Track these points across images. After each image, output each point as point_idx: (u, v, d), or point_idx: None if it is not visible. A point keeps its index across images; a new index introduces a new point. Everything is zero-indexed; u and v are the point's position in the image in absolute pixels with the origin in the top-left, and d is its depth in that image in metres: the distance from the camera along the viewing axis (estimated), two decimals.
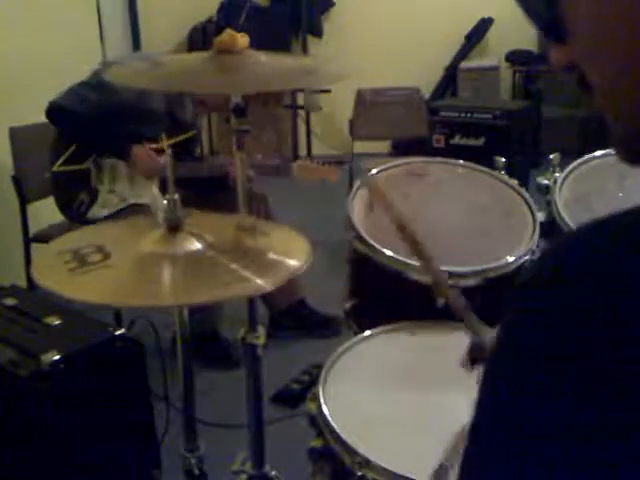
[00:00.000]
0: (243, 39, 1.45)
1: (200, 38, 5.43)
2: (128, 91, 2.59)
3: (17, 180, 2.89)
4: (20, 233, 2.92)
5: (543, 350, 0.41)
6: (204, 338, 2.77)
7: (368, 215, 1.76)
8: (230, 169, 2.81)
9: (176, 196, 1.39)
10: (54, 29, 3.25)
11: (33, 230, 2.94)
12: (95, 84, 2.65)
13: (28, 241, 2.91)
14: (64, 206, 2.76)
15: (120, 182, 2.74)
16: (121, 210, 2.74)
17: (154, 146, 2.75)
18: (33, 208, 2.96)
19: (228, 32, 1.44)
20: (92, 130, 2.68)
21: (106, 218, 2.70)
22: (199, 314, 2.67)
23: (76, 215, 2.72)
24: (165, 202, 1.39)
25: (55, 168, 2.71)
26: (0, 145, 2.94)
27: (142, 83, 1.73)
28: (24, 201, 2.91)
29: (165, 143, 2.78)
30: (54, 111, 2.65)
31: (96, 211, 2.71)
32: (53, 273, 1.32)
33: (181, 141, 2.85)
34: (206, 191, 2.89)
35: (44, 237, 2.87)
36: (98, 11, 3.98)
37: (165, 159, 2.68)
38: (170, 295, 1.35)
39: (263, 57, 1.48)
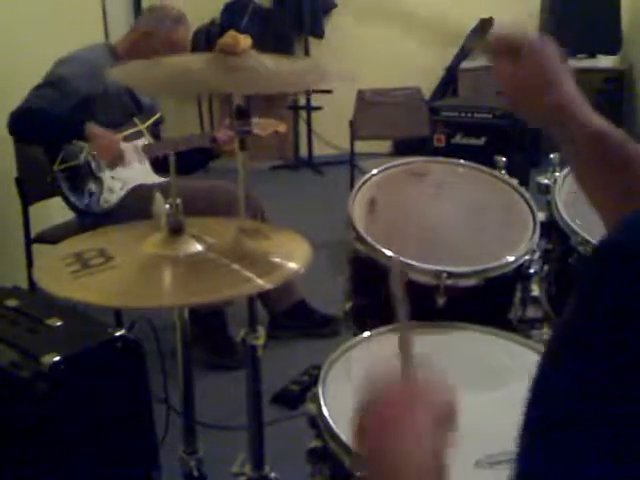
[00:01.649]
0: (246, 40, 1.45)
1: (203, 39, 5.45)
2: (81, 80, 2.65)
3: (19, 181, 2.90)
4: (22, 234, 2.92)
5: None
6: (212, 330, 2.79)
7: (368, 215, 1.76)
8: (218, 135, 2.91)
9: (178, 200, 1.39)
10: (59, 31, 3.25)
11: (35, 231, 2.94)
12: (50, 81, 2.72)
13: (30, 242, 2.92)
14: (75, 202, 2.77)
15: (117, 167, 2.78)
16: (127, 194, 2.78)
17: (131, 130, 2.80)
18: (35, 209, 2.96)
19: (231, 33, 1.44)
20: (60, 126, 2.72)
21: (117, 204, 2.74)
22: (208, 311, 2.70)
23: (89, 207, 2.73)
24: (167, 206, 1.39)
25: (56, 167, 2.73)
26: (3, 146, 2.94)
27: (142, 85, 1.73)
28: (26, 202, 2.92)
29: (141, 126, 2.83)
30: (21, 116, 2.67)
31: (107, 197, 2.74)
32: (56, 276, 1.32)
33: (153, 125, 2.92)
34: (195, 164, 2.98)
35: (46, 238, 2.88)
36: (103, 12, 3.99)
37: (125, 146, 2.78)
38: (172, 295, 1.36)
39: (266, 59, 1.48)
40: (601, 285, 0.46)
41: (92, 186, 2.75)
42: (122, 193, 2.77)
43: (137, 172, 2.83)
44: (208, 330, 2.78)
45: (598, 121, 0.87)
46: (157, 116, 2.97)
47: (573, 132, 0.87)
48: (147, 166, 2.88)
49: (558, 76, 0.89)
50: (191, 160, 2.94)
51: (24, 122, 2.69)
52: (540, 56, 0.89)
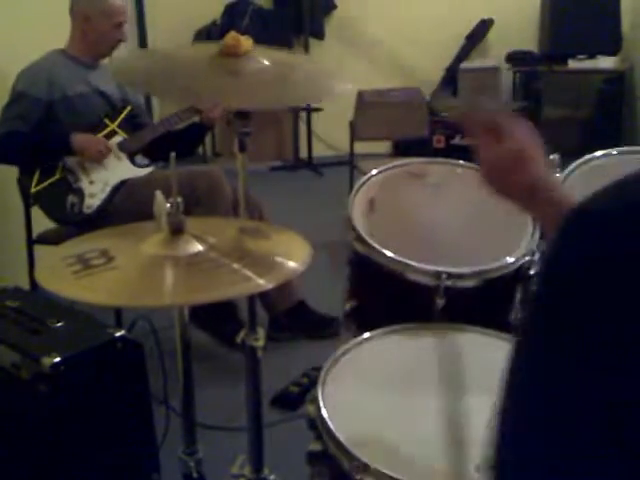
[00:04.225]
0: (247, 42, 1.45)
1: (204, 40, 5.45)
2: (40, 88, 2.69)
3: (21, 182, 2.89)
4: (23, 235, 2.92)
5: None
6: (223, 316, 2.78)
7: (368, 216, 1.76)
8: (203, 108, 2.85)
9: (179, 199, 1.39)
10: (60, 33, 3.25)
11: (36, 232, 2.94)
12: (13, 99, 2.75)
13: (31, 243, 2.92)
14: (58, 217, 2.83)
15: (94, 171, 2.80)
16: (111, 193, 2.78)
17: (107, 130, 2.81)
18: (36, 210, 2.96)
19: (232, 35, 1.44)
20: (39, 140, 2.75)
21: (103, 205, 2.75)
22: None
23: (72, 217, 2.74)
24: (168, 205, 1.39)
25: (33, 190, 2.78)
26: None
27: (142, 85, 1.73)
28: (28, 203, 2.92)
29: (113, 126, 2.83)
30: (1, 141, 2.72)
31: (88, 203, 2.76)
32: (57, 276, 1.33)
33: (125, 118, 2.91)
34: (187, 145, 2.98)
35: (47, 239, 2.88)
36: None
37: (114, 140, 2.77)
38: (172, 295, 1.36)
39: (267, 60, 1.48)
40: (564, 246, 0.50)
41: (72, 198, 2.76)
42: (104, 195, 2.77)
43: (117, 170, 2.83)
44: (218, 313, 2.76)
45: (568, 199, 0.91)
46: (128, 109, 2.93)
47: (545, 210, 0.93)
48: (126, 161, 2.87)
49: (532, 158, 0.95)
50: (183, 140, 2.94)
51: (3, 148, 2.74)
52: (518, 138, 0.95)
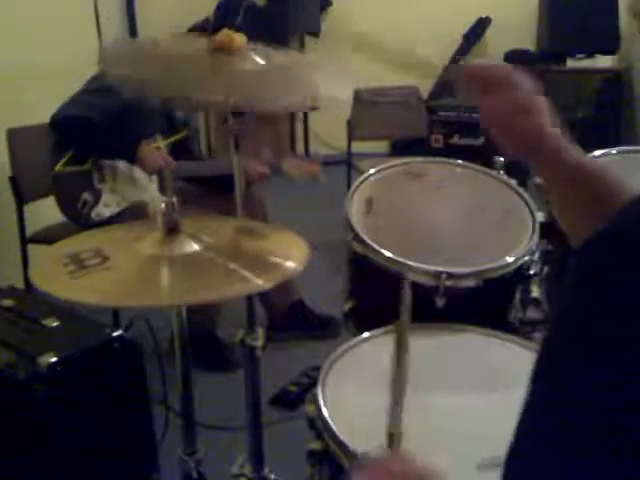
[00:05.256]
0: (240, 39, 1.44)
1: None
2: (127, 89, 2.62)
3: (15, 181, 2.89)
4: (17, 234, 2.91)
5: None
6: (202, 341, 2.76)
7: (366, 215, 1.75)
8: (248, 168, 2.83)
9: (174, 199, 1.38)
10: (53, 31, 3.25)
11: (30, 231, 2.93)
12: (97, 88, 2.69)
13: (25, 242, 2.91)
14: (67, 207, 2.76)
15: (121, 182, 2.76)
16: (124, 210, 2.75)
17: (154, 146, 2.78)
18: (30, 209, 2.95)
19: (225, 32, 1.43)
20: (105, 135, 2.70)
21: (110, 218, 2.71)
22: (197, 317, 2.66)
23: (79, 215, 2.72)
24: (163, 205, 1.38)
25: (57, 168, 2.72)
26: None
27: (139, 84, 1.71)
28: (21, 202, 2.91)
29: (161, 143, 2.80)
30: (65, 122, 2.67)
31: (99, 211, 2.72)
32: (52, 276, 1.31)
33: (177, 141, 2.87)
34: (213, 190, 2.92)
35: (41, 238, 2.87)
36: (96, 14, 3.98)
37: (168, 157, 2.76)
38: (169, 295, 1.35)
39: (260, 57, 1.47)
40: (605, 276, 0.46)
41: (88, 196, 2.72)
42: (117, 209, 2.74)
43: (142, 190, 2.79)
44: (197, 344, 2.74)
45: (578, 154, 0.88)
46: (184, 133, 2.91)
47: (554, 162, 0.88)
48: (154, 185, 2.83)
49: (534, 105, 0.91)
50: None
51: (71, 130, 2.69)
52: (513, 87, 0.91)
